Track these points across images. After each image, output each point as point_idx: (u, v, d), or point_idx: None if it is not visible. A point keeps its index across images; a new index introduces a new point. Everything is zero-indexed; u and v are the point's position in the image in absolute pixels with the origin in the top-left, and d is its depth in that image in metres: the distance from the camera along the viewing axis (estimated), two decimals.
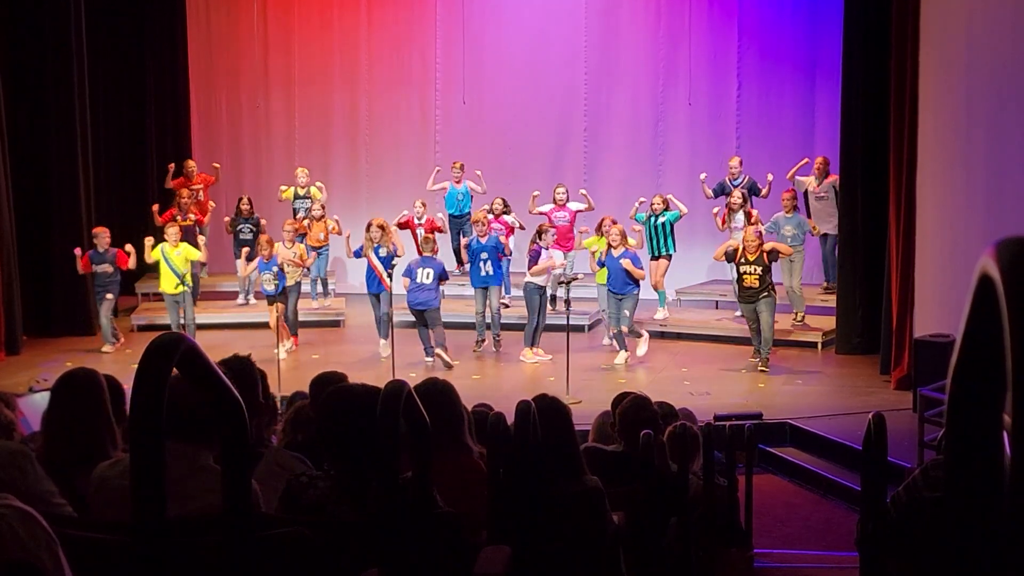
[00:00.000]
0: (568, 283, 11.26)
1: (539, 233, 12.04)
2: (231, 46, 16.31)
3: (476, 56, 15.84)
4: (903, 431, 8.16)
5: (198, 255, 12.15)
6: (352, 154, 16.42)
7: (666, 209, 12.90)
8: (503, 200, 13.57)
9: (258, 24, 16.15)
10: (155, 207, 13.94)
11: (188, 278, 11.98)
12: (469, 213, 14.38)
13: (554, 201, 13.38)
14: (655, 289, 13.10)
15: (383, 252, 11.69)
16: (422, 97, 16.17)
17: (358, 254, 11.90)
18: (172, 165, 14.77)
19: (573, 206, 13.41)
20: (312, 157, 16.32)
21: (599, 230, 12.34)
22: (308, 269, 12.99)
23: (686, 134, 15.63)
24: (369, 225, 11.87)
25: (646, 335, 11.66)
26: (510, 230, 13.24)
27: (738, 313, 13.25)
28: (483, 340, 12.27)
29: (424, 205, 13.76)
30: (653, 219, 12.90)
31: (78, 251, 12.18)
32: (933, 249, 9.91)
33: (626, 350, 11.57)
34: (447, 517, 2.70)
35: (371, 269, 11.75)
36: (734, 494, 6.31)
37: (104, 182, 14.49)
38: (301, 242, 12.78)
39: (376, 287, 11.73)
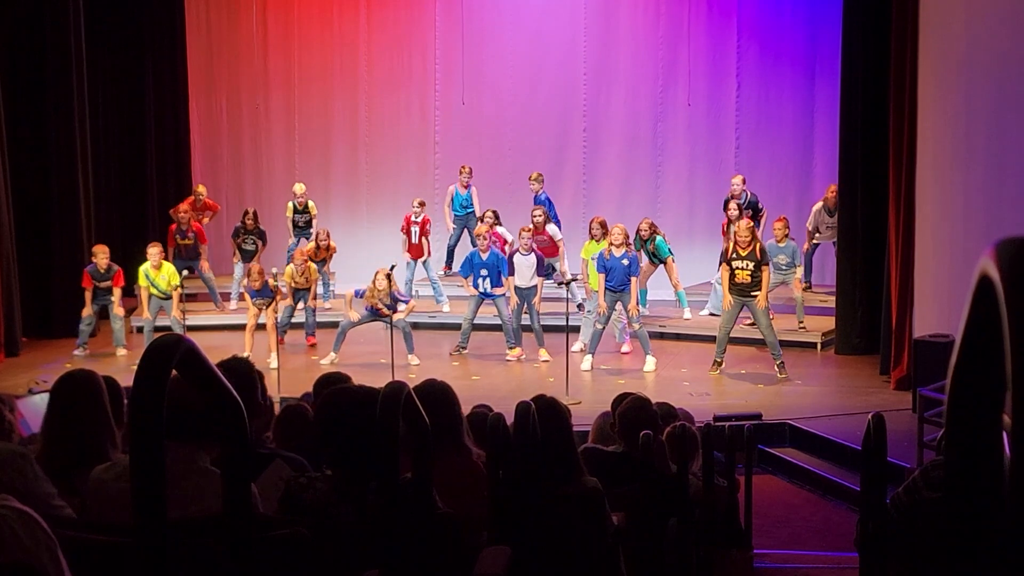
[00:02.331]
0: (568, 283, 11.26)
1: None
2: (231, 47, 16.32)
3: (475, 57, 15.85)
4: (903, 431, 8.17)
5: (179, 279, 12.12)
6: (352, 155, 16.43)
7: (654, 234, 12.84)
8: (494, 212, 13.53)
9: (258, 25, 16.16)
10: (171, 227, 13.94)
11: (172, 288, 12.02)
12: (474, 212, 14.38)
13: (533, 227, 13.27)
14: (675, 291, 13.20)
15: (387, 300, 11.64)
16: (421, 98, 16.19)
17: (360, 293, 11.83)
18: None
19: (551, 230, 13.35)
20: (312, 158, 16.34)
21: (591, 234, 12.32)
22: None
23: (685, 134, 15.65)
24: (376, 275, 11.71)
25: (653, 359, 11.51)
26: (503, 243, 13.19)
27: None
28: (464, 347, 12.25)
29: (422, 204, 13.79)
30: (645, 244, 12.86)
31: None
32: (933, 249, 9.91)
33: (650, 353, 11.46)
34: (447, 518, 2.70)
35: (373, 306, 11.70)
36: (734, 495, 6.31)
37: (103, 183, 14.49)
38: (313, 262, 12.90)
39: (377, 314, 11.73)
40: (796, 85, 15.24)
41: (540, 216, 13.13)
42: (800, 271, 12.60)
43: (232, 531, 1.75)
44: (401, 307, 11.76)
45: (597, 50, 15.73)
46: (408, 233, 13.79)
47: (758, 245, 10.95)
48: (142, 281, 12.03)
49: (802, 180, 15.06)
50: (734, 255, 10.90)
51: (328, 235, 13.71)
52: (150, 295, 12.03)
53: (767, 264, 11.00)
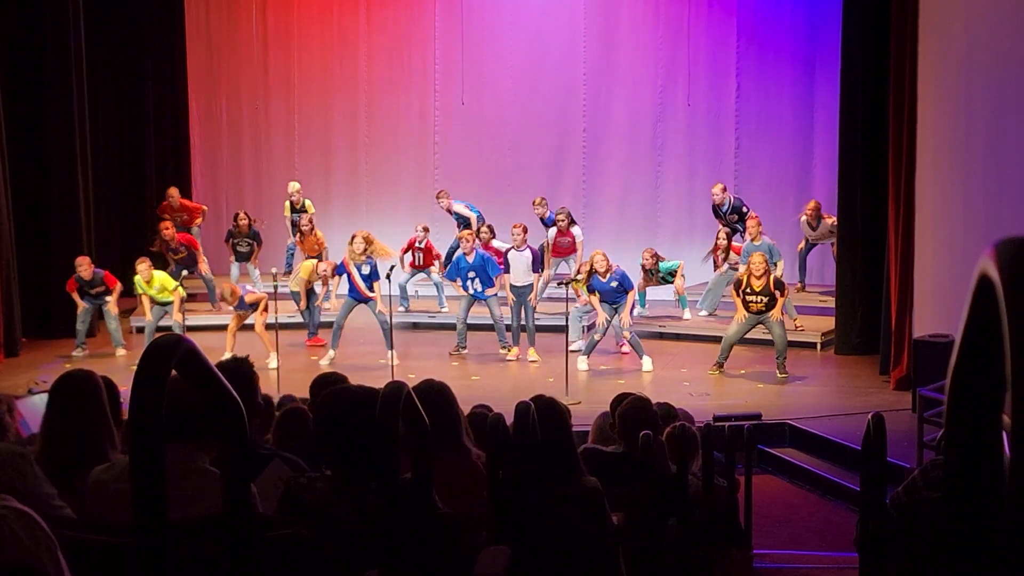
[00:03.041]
0: (569, 283, 11.25)
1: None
2: (231, 47, 16.32)
3: (475, 57, 15.85)
4: (902, 431, 8.17)
5: (173, 284, 12.09)
6: (352, 156, 16.43)
7: (659, 262, 12.86)
8: (490, 227, 13.49)
9: (257, 26, 16.16)
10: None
11: (170, 295, 12.01)
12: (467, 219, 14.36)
13: (556, 226, 13.26)
14: (678, 294, 13.24)
15: (365, 269, 11.67)
16: (421, 98, 16.18)
17: (340, 270, 11.87)
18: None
19: (575, 231, 13.34)
20: (312, 159, 16.34)
21: (579, 273, 12.25)
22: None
23: (685, 135, 15.65)
24: (353, 237, 11.77)
25: (649, 359, 11.51)
26: (500, 257, 13.15)
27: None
28: (463, 347, 12.24)
29: (426, 230, 13.76)
30: (650, 273, 12.87)
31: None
32: (932, 249, 9.91)
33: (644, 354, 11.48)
34: (447, 518, 2.70)
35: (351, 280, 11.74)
36: (734, 495, 6.31)
37: (103, 183, 14.49)
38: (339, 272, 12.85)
39: (358, 296, 11.76)
40: (796, 85, 15.23)
41: (564, 220, 13.13)
42: (780, 268, 12.55)
43: (232, 531, 1.75)
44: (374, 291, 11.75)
45: (597, 50, 15.73)
46: (413, 253, 13.75)
47: (772, 278, 10.92)
48: (139, 289, 12.07)
49: (802, 180, 15.05)
50: (748, 289, 10.88)
51: (311, 222, 13.69)
52: (150, 298, 12.05)
53: (783, 293, 10.98)
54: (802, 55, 15.15)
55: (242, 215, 14.14)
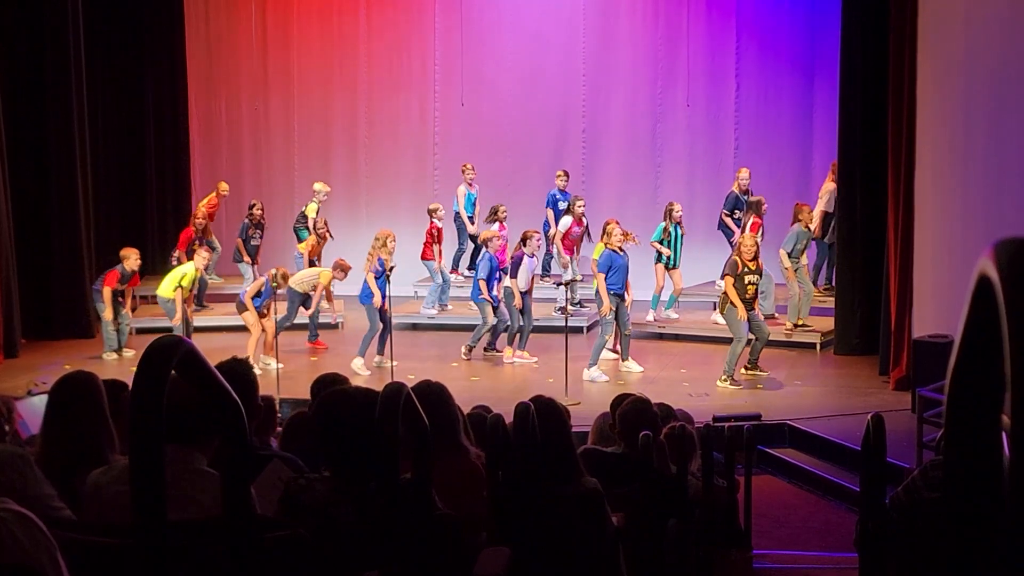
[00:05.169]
0: (568, 284, 11.24)
1: (523, 240, 11.79)
2: (230, 47, 16.32)
3: (474, 59, 15.86)
4: (902, 432, 8.16)
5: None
6: (351, 157, 16.43)
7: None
8: (493, 208, 13.48)
9: (257, 28, 16.16)
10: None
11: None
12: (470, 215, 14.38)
13: (572, 214, 13.29)
14: (674, 295, 13.22)
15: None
16: (421, 100, 16.19)
17: (380, 274, 11.42)
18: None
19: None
20: (311, 161, 16.34)
21: (603, 236, 12.25)
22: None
23: (684, 135, 15.66)
24: (387, 237, 11.55)
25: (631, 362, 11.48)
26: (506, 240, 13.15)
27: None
28: (473, 347, 12.22)
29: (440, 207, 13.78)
30: (675, 228, 12.81)
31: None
32: (932, 249, 9.91)
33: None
34: (446, 519, 2.70)
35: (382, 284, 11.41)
36: (733, 495, 6.31)
37: (103, 184, 14.49)
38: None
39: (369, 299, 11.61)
40: (795, 85, 15.24)
41: (582, 206, 13.27)
42: (804, 258, 12.57)
43: (232, 532, 1.75)
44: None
45: (596, 51, 15.73)
46: (439, 241, 13.67)
47: (760, 261, 10.89)
48: (186, 281, 11.85)
49: (801, 180, 15.05)
50: (745, 270, 10.64)
51: (326, 223, 13.69)
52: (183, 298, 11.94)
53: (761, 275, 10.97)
54: (801, 55, 15.16)
55: (257, 204, 14.08)
